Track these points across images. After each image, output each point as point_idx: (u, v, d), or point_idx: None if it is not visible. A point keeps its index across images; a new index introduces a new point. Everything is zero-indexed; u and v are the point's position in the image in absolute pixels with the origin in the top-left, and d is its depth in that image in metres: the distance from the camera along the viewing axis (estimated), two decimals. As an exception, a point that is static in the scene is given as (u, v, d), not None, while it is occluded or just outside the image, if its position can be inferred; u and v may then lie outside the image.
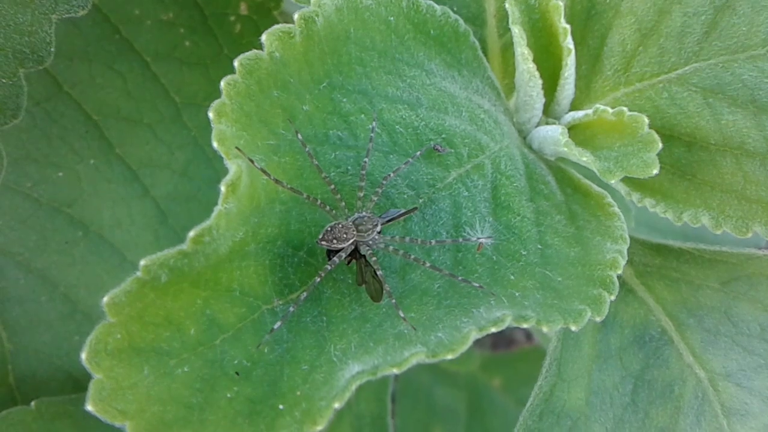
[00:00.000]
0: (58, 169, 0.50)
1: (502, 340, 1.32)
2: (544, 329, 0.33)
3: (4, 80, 0.39)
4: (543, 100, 0.46)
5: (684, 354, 0.45)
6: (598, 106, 0.43)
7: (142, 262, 0.29)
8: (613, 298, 0.37)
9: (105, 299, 0.29)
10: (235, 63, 0.33)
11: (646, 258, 0.48)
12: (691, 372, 0.45)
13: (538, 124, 0.47)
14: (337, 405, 0.30)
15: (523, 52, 0.43)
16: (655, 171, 0.40)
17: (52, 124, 0.50)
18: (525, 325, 0.33)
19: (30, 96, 0.49)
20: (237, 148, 0.32)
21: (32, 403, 0.48)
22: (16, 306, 0.51)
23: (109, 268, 0.52)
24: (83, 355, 0.29)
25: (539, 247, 0.40)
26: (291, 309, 0.33)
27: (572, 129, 0.45)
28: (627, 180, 0.45)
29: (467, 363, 1.05)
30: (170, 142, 0.50)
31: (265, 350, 0.32)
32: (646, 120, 0.41)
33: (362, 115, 0.39)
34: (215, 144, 0.31)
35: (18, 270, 0.50)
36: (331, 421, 0.56)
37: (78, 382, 0.53)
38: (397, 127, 0.40)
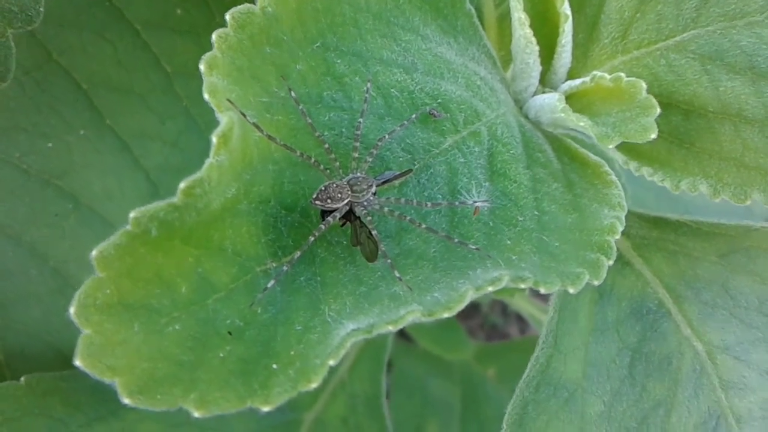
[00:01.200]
0: (47, 139, 0.49)
1: (495, 334, 1.32)
2: (542, 290, 0.33)
3: (-9, 41, 0.38)
4: (540, 68, 0.45)
5: (681, 326, 0.45)
6: (595, 72, 0.43)
7: (132, 214, 0.28)
8: (610, 262, 0.37)
9: (94, 252, 0.28)
10: (227, 16, 0.33)
11: (643, 231, 0.47)
12: (689, 345, 0.45)
13: (535, 94, 0.47)
14: (332, 362, 0.29)
15: (519, 17, 0.42)
16: (653, 135, 0.39)
17: (42, 93, 0.49)
18: (522, 286, 0.32)
19: (19, 64, 0.48)
20: (228, 100, 0.31)
21: (22, 379, 0.48)
22: (5, 280, 0.50)
23: (99, 242, 0.50)
24: (71, 309, 0.28)
25: (536, 213, 0.39)
26: (284, 268, 0.32)
27: (569, 97, 0.45)
28: (624, 148, 0.45)
29: (461, 352, 1.05)
30: (161, 112, 0.50)
31: (258, 311, 0.32)
32: (644, 85, 0.41)
33: (357, 78, 0.38)
34: (206, 95, 0.30)
35: (7, 243, 0.50)
36: (325, 400, 0.55)
37: (68, 359, 0.52)
38: (392, 90, 0.39)
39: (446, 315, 0.30)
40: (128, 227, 0.28)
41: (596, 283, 0.35)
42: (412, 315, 0.30)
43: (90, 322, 0.28)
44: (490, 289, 0.31)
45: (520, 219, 0.38)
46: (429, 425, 0.99)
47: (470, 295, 0.31)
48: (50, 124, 0.49)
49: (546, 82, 0.47)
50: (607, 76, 0.42)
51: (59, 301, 0.51)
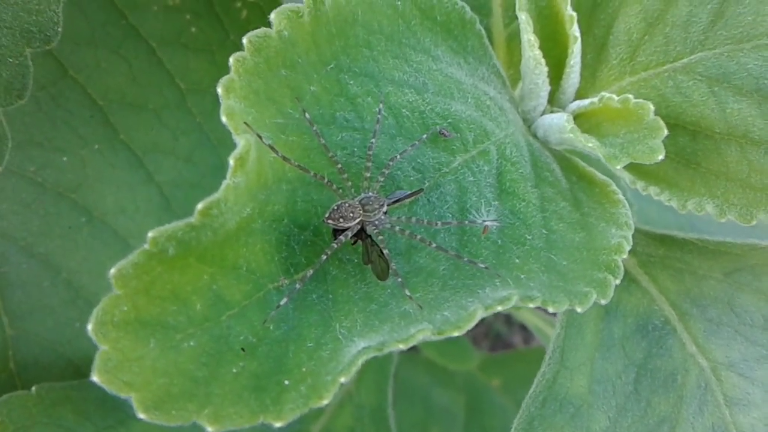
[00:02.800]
0: (62, 153, 0.50)
1: (499, 344, 1.32)
2: (550, 309, 0.33)
3: (10, 59, 0.39)
4: (548, 88, 0.46)
5: (687, 343, 0.45)
6: (603, 93, 0.43)
7: (150, 234, 0.29)
8: (618, 282, 0.37)
9: (112, 270, 0.29)
10: (244, 40, 0.33)
11: (649, 248, 0.48)
12: (694, 361, 0.45)
13: (543, 113, 0.47)
14: (343, 379, 0.30)
15: (529, 39, 0.43)
16: (661, 156, 0.40)
17: (57, 108, 0.50)
18: (531, 305, 0.33)
19: (35, 80, 0.49)
20: (245, 123, 0.32)
21: (33, 388, 0.48)
22: (18, 291, 0.51)
23: (111, 255, 0.52)
24: (89, 326, 0.29)
25: (544, 232, 0.40)
26: (297, 286, 0.33)
27: (577, 117, 0.45)
28: (631, 168, 0.45)
29: (466, 363, 1.05)
30: (175, 128, 0.50)
31: (271, 327, 0.32)
32: (652, 107, 0.41)
33: (369, 98, 0.39)
34: (224, 118, 0.31)
35: (20, 255, 0.50)
36: (332, 411, 0.56)
37: (79, 369, 0.53)
38: (403, 110, 0.40)
39: (456, 334, 0.31)
40: (146, 246, 0.29)
41: (603, 302, 0.36)
42: (422, 333, 0.30)
43: (107, 338, 0.29)
44: (500, 308, 0.32)
45: (528, 238, 0.39)
46: (432, 430, 0.99)
47: (479, 314, 0.32)
48: (65, 138, 0.50)
49: (554, 102, 0.48)
50: (615, 97, 0.42)
51: (71, 312, 0.52)
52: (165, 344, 0.30)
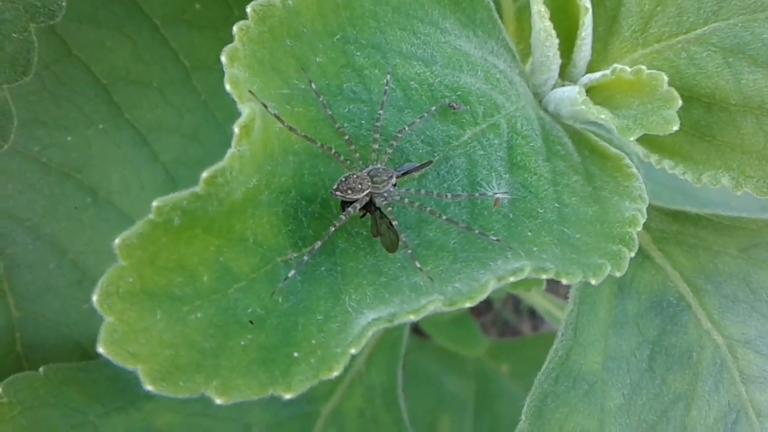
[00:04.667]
0: (66, 133, 0.49)
1: (508, 331, 1.31)
2: (564, 280, 0.33)
3: (15, 35, 0.39)
4: (559, 62, 0.45)
5: (702, 320, 0.45)
6: (616, 65, 0.42)
7: (155, 203, 0.28)
8: (632, 254, 0.36)
9: (117, 240, 0.28)
10: (248, 9, 0.33)
11: (663, 224, 0.47)
12: (710, 338, 0.44)
13: (554, 87, 0.46)
14: (353, 350, 0.29)
15: (539, 10, 0.42)
16: (676, 127, 0.39)
17: (61, 87, 0.49)
18: (544, 276, 0.32)
19: (39, 58, 0.48)
20: (250, 91, 0.31)
21: (40, 369, 0.48)
22: (25, 272, 0.51)
23: (118, 235, 0.51)
24: (94, 297, 0.28)
25: (556, 205, 0.39)
26: (305, 258, 0.32)
27: (590, 90, 0.44)
28: (645, 141, 0.44)
29: (475, 348, 1.05)
30: (180, 106, 0.50)
31: (279, 300, 0.32)
32: (665, 77, 0.40)
33: (376, 70, 0.38)
34: (228, 86, 0.30)
35: (27, 236, 0.50)
36: (342, 392, 0.55)
37: (86, 351, 0.53)
38: (411, 83, 0.39)
39: (468, 305, 0.30)
40: (151, 216, 0.29)
41: (618, 274, 0.35)
42: (433, 304, 0.30)
43: (113, 309, 0.28)
44: (512, 279, 0.31)
45: (540, 211, 0.38)
46: (442, 420, 0.99)
47: (492, 285, 0.31)
48: (69, 117, 0.49)
49: (565, 76, 0.47)
50: (628, 69, 0.41)
51: (77, 294, 0.52)
52: (172, 315, 0.29)
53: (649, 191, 0.59)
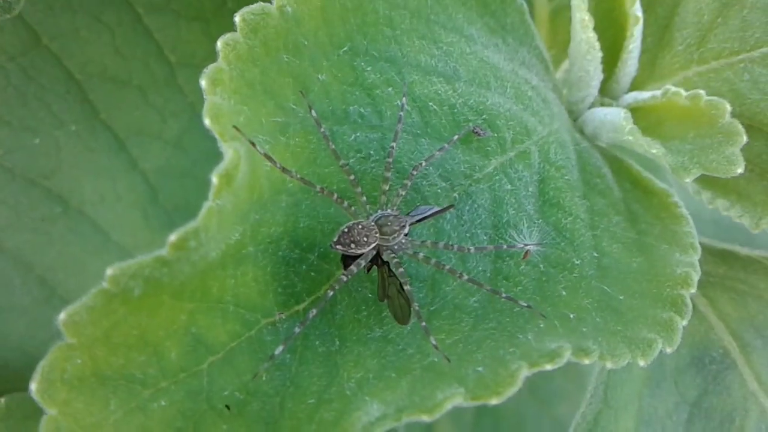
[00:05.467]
0: (34, 134, 0.43)
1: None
2: (608, 365, 0.27)
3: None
4: (601, 77, 0.39)
5: (748, 380, 0.39)
6: (668, 87, 0.36)
7: (109, 272, 0.23)
8: (685, 323, 0.31)
9: (61, 315, 0.23)
10: (237, 18, 0.27)
11: (708, 266, 0.41)
12: (755, 401, 0.39)
13: (592, 105, 0.40)
14: (350, 461, 0.23)
15: (582, 19, 0.36)
16: (740, 170, 0.33)
17: (29, 82, 0.43)
18: (586, 361, 0.26)
19: (3, 49, 0.43)
20: (235, 127, 0.25)
21: (1, 400, 0.43)
22: (-14, 288, 0.45)
23: (90, 249, 0.45)
24: (33, 386, 0.23)
25: (595, 255, 0.33)
26: (296, 329, 0.26)
27: (633, 112, 0.38)
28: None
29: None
30: (163, 108, 0.44)
31: (263, 378, 0.26)
32: (728, 107, 0.35)
33: (389, 88, 0.32)
34: (207, 121, 0.24)
35: (-13, 249, 0.44)
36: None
37: (55, 374, 0.48)
38: (430, 104, 0.33)
39: (494, 401, 0.24)
40: (105, 285, 0.23)
41: (669, 350, 0.29)
42: (451, 401, 0.24)
43: (55, 400, 0.23)
44: (548, 366, 0.26)
45: (576, 262, 0.32)
46: (441, 419, 0.94)
47: (523, 374, 0.25)
48: (37, 117, 0.43)
49: (606, 92, 0.41)
50: (683, 93, 0.35)
51: (46, 313, 0.46)
52: (130, 404, 0.24)
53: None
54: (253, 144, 0.26)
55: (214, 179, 0.23)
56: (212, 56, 0.31)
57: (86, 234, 0.45)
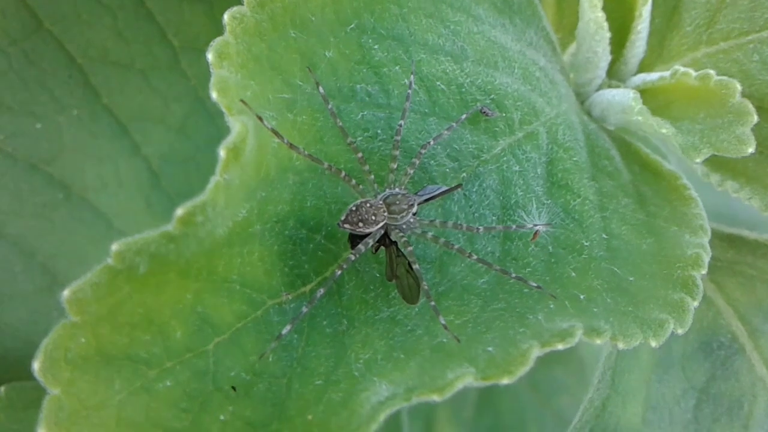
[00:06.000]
0: (35, 119, 0.43)
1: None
2: (620, 345, 0.27)
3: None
4: (609, 58, 0.38)
5: (757, 365, 0.39)
6: (677, 67, 0.36)
7: (114, 247, 0.22)
8: (696, 304, 0.30)
9: (65, 293, 0.22)
10: (243, -8, 0.26)
11: (716, 250, 0.41)
12: (764, 386, 0.39)
13: (600, 87, 0.40)
14: (360, 440, 0.23)
15: (591, -1, 0.35)
16: (751, 149, 0.33)
17: (30, 66, 0.42)
18: (598, 341, 0.26)
19: (5, 33, 0.42)
20: (242, 101, 0.25)
21: (1, 389, 0.42)
22: (-13, 276, 0.45)
23: (93, 236, 0.45)
24: (35, 365, 0.22)
25: (604, 236, 0.33)
26: (304, 309, 0.26)
27: (642, 94, 0.38)
28: (707, 158, 0.38)
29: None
30: (166, 93, 0.43)
31: (270, 359, 0.26)
32: (739, 86, 0.34)
33: (396, 67, 0.32)
34: (214, 94, 0.24)
35: (-12, 235, 0.44)
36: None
37: (57, 362, 0.47)
38: (438, 83, 0.33)
39: (505, 381, 0.24)
40: (109, 261, 0.22)
41: (680, 331, 0.29)
42: (462, 380, 0.24)
43: (59, 380, 0.22)
44: (560, 346, 0.25)
45: (585, 244, 0.32)
46: (440, 410, 0.94)
47: (534, 354, 0.25)
48: (39, 102, 0.43)
49: (614, 74, 0.40)
50: (693, 73, 0.35)
51: (47, 301, 0.46)
52: (134, 384, 0.23)
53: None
54: (261, 119, 0.25)
55: (222, 153, 0.23)
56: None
57: (88, 220, 0.45)
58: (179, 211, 0.22)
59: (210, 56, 0.25)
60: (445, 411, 0.96)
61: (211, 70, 0.25)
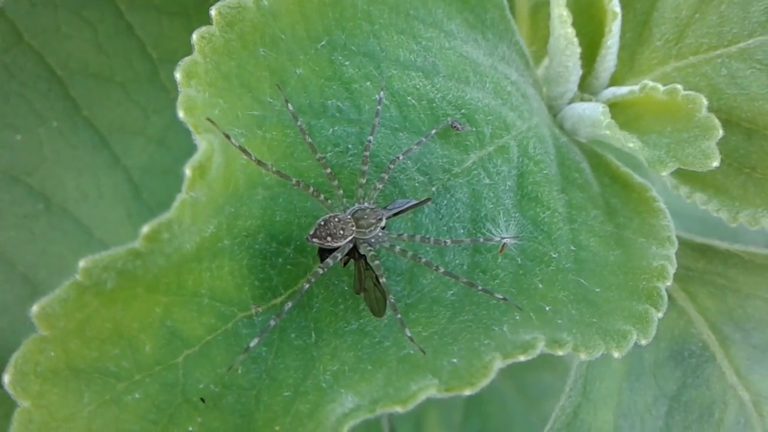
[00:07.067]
0: (15, 131, 0.43)
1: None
2: (582, 356, 0.27)
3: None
4: (580, 72, 0.39)
5: (727, 373, 0.39)
6: (646, 82, 0.36)
7: (82, 264, 0.23)
8: (660, 315, 0.31)
9: (34, 308, 0.23)
10: (212, 11, 0.27)
11: (687, 260, 0.42)
12: (734, 394, 0.39)
13: (572, 101, 0.41)
14: (324, 451, 0.24)
15: (561, 14, 0.36)
16: (715, 163, 0.33)
17: (10, 79, 0.43)
18: (560, 352, 0.26)
19: (-16, 46, 0.42)
20: (209, 119, 0.25)
21: (-19, 398, 0.42)
22: (-32, 286, 0.45)
23: (73, 247, 0.45)
24: (5, 378, 0.23)
25: (572, 248, 0.33)
26: (272, 322, 0.27)
27: (612, 107, 0.39)
28: (675, 170, 0.39)
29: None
30: (145, 105, 0.44)
31: (239, 371, 0.26)
32: (705, 101, 0.35)
33: (368, 83, 0.32)
34: (181, 113, 0.25)
35: (-31, 246, 0.44)
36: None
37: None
38: (408, 98, 0.33)
39: (467, 392, 0.25)
40: (77, 277, 0.23)
41: (644, 342, 0.29)
42: (425, 392, 0.24)
43: (29, 393, 0.23)
44: (522, 357, 0.26)
45: (553, 256, 0.33)
46: (429, 415, 0.94)
47: (496, 366, 0.25)
48: (19, 114, 0.43)
49: (585, 87, 0.41)
50: (661, 88, 0.35)
51: (28, 311, 0.46)
52: (103, 397, 0.24)
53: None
54: (228, 136, 0.26)
55: (188, 171, 0.24)
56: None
57: (69, 231, 0.45)
58: (145, 229, 0.23)
59: (178, 75, 0.25)
60: (435, 414, 0.97)
61: (179, 89, 0.25)
